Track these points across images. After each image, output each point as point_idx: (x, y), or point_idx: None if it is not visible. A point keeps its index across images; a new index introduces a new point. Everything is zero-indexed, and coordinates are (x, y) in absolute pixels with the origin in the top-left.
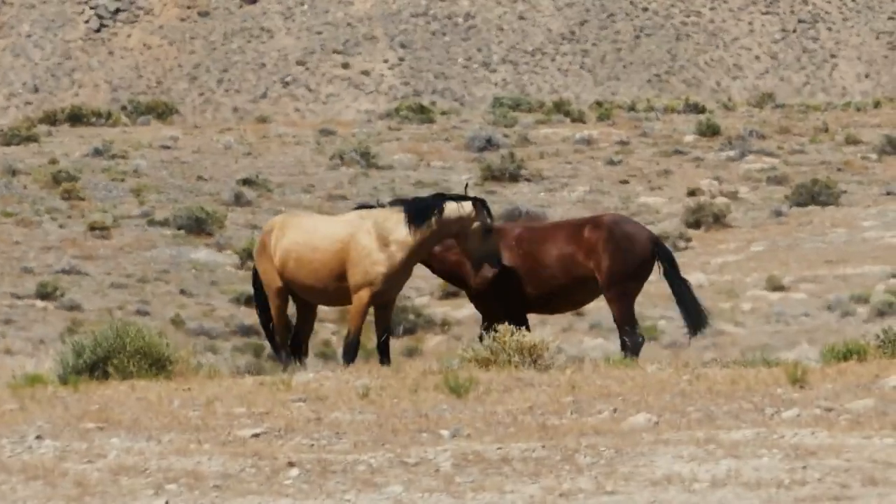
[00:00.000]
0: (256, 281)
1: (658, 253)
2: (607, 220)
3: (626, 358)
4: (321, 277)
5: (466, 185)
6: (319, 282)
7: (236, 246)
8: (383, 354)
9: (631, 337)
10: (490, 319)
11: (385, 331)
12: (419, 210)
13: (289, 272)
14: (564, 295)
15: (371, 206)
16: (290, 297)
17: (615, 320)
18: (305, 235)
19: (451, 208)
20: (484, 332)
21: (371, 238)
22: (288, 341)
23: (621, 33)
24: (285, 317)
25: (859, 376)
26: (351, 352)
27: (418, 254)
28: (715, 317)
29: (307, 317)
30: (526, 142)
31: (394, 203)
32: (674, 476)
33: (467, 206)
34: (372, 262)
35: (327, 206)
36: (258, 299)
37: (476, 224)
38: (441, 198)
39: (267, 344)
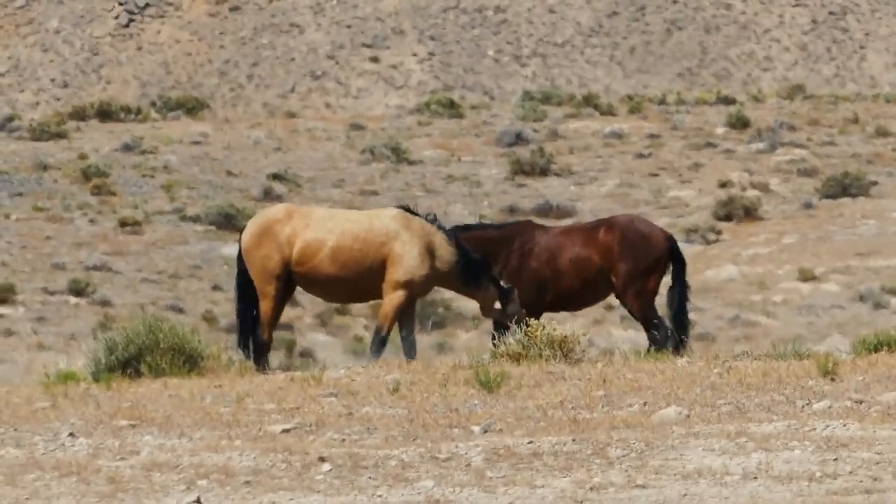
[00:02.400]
0: (243, 272)
1: (672, 251)
2: (621, 221)
3: (657, 351)
4: (354, 270)
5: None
6: (350, 274)
7: None
8: (411, 348)
9: (659, 330)
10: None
11: (412, 326)
12: (469, 267)
13: (310, 263)
14: (578, 297)
15: (412, 211)
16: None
17: (637, 319)
18: (343, 225)
19: (492, 294)
20: (497, 334)
21: (418, 240)
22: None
23: (651, 26)
24: (278, 309)
25: (890, 368)
26: (381, 347)
27: (447, 281)
28: (746, 309)
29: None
30: (556, 136)
31: (434, 221)
32: (705, 469)
33: (493, 292)
34: (419, 263)
35: (358, 200)
36: (245, 291)
37: (498, 308)
38: (486, 266)
39: (235, 340)
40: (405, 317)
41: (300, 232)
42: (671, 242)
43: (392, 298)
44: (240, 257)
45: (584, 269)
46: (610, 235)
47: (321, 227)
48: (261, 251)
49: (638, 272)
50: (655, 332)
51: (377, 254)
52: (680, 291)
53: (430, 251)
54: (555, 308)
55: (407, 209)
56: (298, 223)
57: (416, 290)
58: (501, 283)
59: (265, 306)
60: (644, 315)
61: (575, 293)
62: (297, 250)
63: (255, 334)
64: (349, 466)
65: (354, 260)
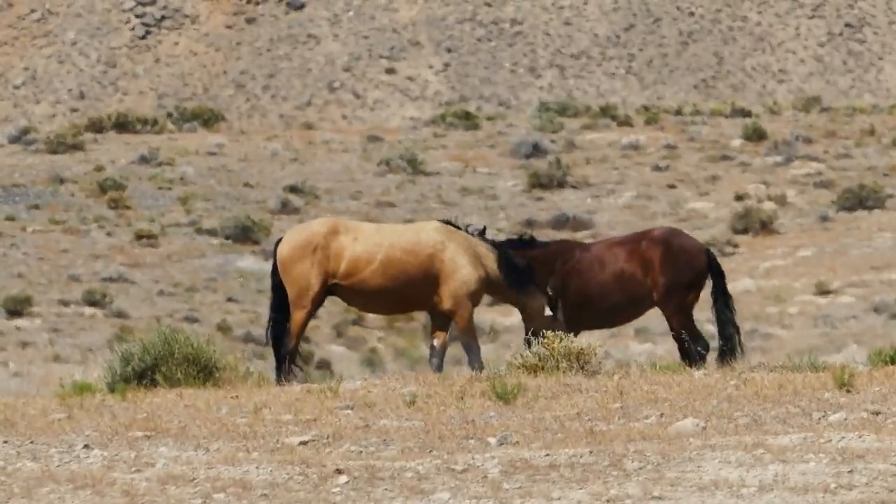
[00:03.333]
0: (279, 286)
1: (710, 265)
2: (662, 235)
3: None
4: (402, 282)
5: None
6: (399, 286)
7: None
8: (441, 360)
9: (695, 345)
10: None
11: (445, 339)
12: (516, 271)
13: (360, 276)
14: (621, 313)
15: (454, 224)
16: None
17: (675, 333)
18: (391, 238)
19: (539, 300)
20: (533, 340)
21: (464, 250)
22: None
23: (667, 37)
24: (307, 323)
25: None
26: (478, 359)
27: (495, 290)
28: (763, 321)
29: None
30: (572, 147)
31: (480, 234)
32: (721, 481)
33: (541, 299)
34: (471, 271)
35: (375, 212)
36: (281, 305)
37: (543, 318)
38: (530, 272)
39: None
40: (438, 330)
41: (348, 245)
42: (710, 256)
43: (460, 311)
44: (275, 271)
45: (629, 283)
46: (653, 249)
47: (370, 241)
48: (303, 264)
49: (680, 286)
50: (694, 347)
51: (425, 265)
52: (724, 305)
53: (477, 260)
54: (598, 325)
55: (448, 222)
56: (346, 237)
57: (474, 297)
58: (548, 290)
59: (298, 317)
60: (685, 328)
61: (619, 309)
62: (347, 263)
63: (283, 344)
64: (366, 478)
65: (404, 272)
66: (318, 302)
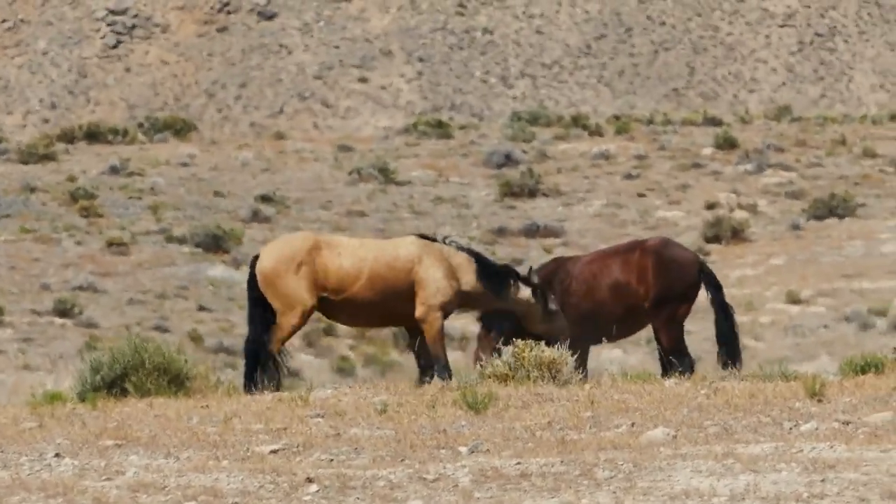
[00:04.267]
0: (259, 302)
1: (703, 277)
2: (654, 245)
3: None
4: (388, 296)
5: (531, 268)
6: (385, 300)
7: None
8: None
9: (684, 360)
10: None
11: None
12: (493, 276)
13: (349, 291)
14: (621, 326)
15: (430, 238)
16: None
17: (663, 347)
18: (375, 253)
19: (519, 290)
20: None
21: (440, 263)
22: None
23: (638, 47)
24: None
25: (877, 389)
26: (446, 371)
27: (469, 303)
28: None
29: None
30: (544, 157)
31: (457, 245)
32: (692, 491)
33: (526, 292)
34: (445, 284)
35: (346, 221)
36: (261, 320)
37: (536, 309)
38: (509, 275)
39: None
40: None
41: (333, 260)
42: (703, 268)
43: (429, 319)
44: (252, 285)
45: (625, 295)
46: (646, 259)
47: (355, 256)
48: (289, 279)
49: (670, 298)
50: (675, 361)
51: (405, 279)
52: (724, 317)
53: (452, 273)
54: (599, 339)
55: (424, 236)
56: (329, 252)
57: (446, 308)
58: (549, 302)
59: (288, 329)
60: (672, 344)
61: (617, 321)
62: (335, 279)
63: (257, 354)
64: (337, 487)
65: (389, 286)
66: (309, 315)
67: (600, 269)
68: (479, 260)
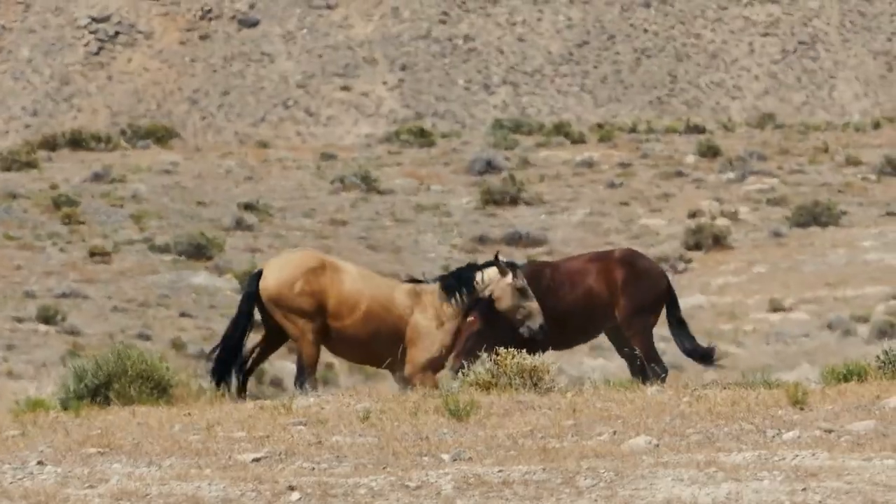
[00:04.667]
0: (247, 316)
1: (670, 290)
2: (624, 256)
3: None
4: (382, 337)
5: (497, 252)
6: (374, 340)
7: (236, 269)
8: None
9: (660, 366)
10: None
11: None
12: (449, 286)
13: (341, 321)
14: (585, 332)
15: (420, 281)
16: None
17: (640, 356)
18: (375, 290)
19: (480, 278)
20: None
21: (428, 316)
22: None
23: (621, 54)
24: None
25: (860, 397)
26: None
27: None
28: (716, 338)
29: (269, 350)
30: (526, 164)
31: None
32: (674, 499)
33: (492, 272)
34: (432, 341)
35: (328, 230)
36: (243, 334)
37: (506, 284)
38: (471, 269)
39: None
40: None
41: (335, 286)
42: (668, 279)
43: (423, 378)
44: (248, 299)
45: (594, 302)
46: (618, 270)
47: (358, 287)
48: (299, 296)
49: (644, 308)
50: (655, 367)
51: (397, 327)
52: (680, 331)
53: (440, 322)
54: (566, 344)
55: (416, 280)
56: (333, 277)
57: (443, 362)
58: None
59: (308, 349)
60: (647, 353)
61: (586, 327)
62: (331, 304)
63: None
64: (319, 495)
65: (383, 328)
66: (320, 332)
67: (576, 275)
68: (447, 279)
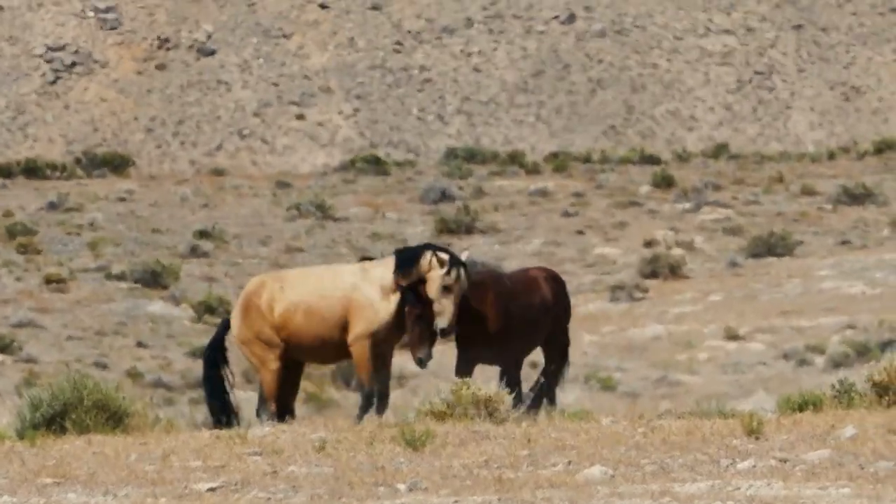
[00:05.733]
0: (219, 351)
1: None
2: (552, 273)
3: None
4: (329, 327)
5: (466, 249)
6: (326, 332)
7: (192, 299)
8: (381, 401)
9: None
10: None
11: (384, 380)
12: (403, 259)
13: (294, 326)
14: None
15: (373, 258)
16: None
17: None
18: (313, 285)
19: (426, 260)
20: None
21: (374, 288)
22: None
23: (576, 84)
24: (280, 381)
25: (815, 427)
26: (368, 403)
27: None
28: (671, 367)
29: (295, 380)
30: (481, 193)
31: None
32: None
33: (425, 259)
34: (375, 311)
35: (284, 258)
36: (215, 372)
37: (437, 275)
38: (427, 247)
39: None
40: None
41: (276, 298)
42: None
43: (358, 351)
44: (220, 334)
45: (546, 316)
46: (551, 284)
47: (299, 290)
48: (251, 327)
49: (566, 322)
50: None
51: (341, 308)
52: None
53: (386, 294)
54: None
55: (369, 258)
56: (274, 290)
57: (380, 336)
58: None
59: (268, 378)
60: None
61: (531, 340)
62: (277, 316)
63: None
64: None
65: (327, 317)
66: (281, 359)
67: (531, 287)
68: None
